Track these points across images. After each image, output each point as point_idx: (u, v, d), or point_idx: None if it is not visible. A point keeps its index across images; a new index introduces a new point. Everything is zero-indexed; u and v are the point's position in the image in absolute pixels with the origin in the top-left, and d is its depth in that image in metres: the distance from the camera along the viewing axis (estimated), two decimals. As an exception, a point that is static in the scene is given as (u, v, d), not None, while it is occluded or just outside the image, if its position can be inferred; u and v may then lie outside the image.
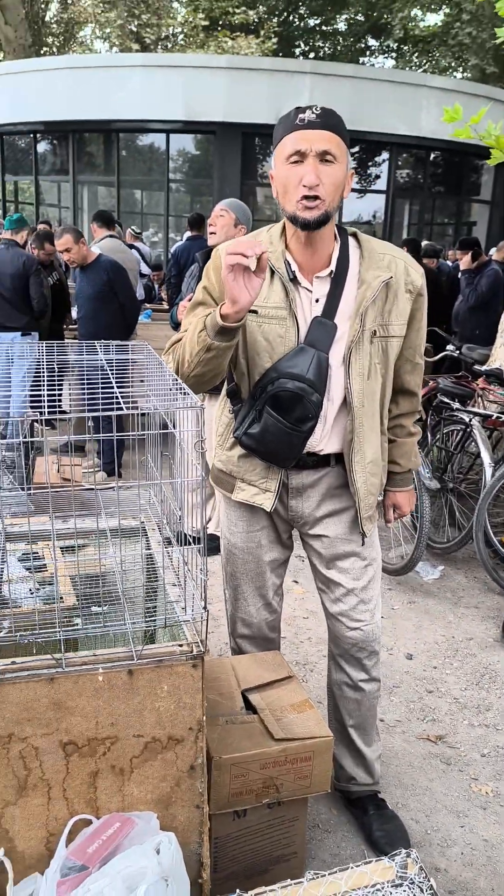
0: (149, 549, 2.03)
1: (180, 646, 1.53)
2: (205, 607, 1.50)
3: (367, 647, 2.10)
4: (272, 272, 1.83)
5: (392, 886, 1.62)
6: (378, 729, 2.24)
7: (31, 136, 14.09)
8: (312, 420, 1.85)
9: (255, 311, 1.82)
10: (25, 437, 2.65)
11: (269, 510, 1.99)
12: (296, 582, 3.82)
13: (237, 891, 1.51)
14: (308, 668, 3.04)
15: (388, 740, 2.62)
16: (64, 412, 5.79)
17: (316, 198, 1.70)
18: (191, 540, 1.75)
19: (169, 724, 1.55)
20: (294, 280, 1.84)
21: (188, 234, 7.56)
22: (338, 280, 1.84)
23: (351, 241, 1.90)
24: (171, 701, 1.53)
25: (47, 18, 21.71)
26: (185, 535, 1.82)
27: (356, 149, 13.88)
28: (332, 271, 1.85)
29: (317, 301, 1.86)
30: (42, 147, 14.39)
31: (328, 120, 1.71)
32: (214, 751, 1.78)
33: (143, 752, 1.55)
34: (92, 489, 2.29)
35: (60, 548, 2.08)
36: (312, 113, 1.71)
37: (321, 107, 1.73)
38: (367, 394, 1.90)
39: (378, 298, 1.85)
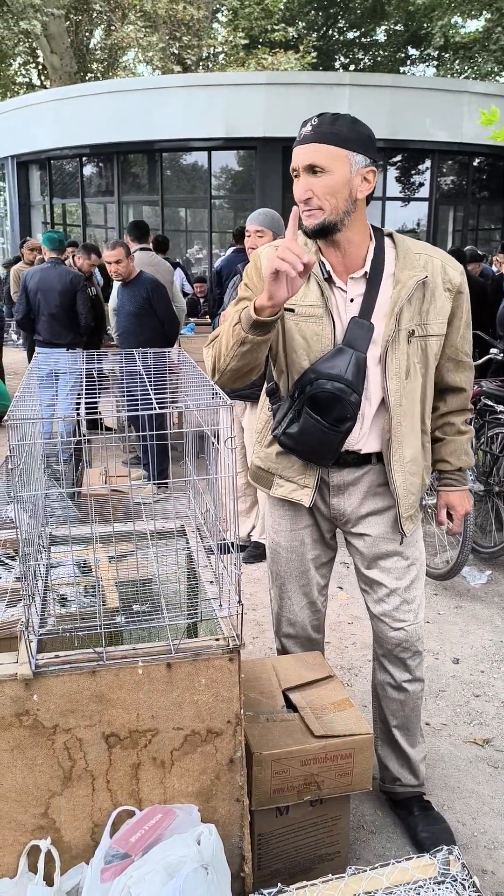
0: (189, 551, 2.07)
1: (217, 640, 1.57)
2: (239, 601, 1.53)
3: (410, 648, 2.10)
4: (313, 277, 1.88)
5: (434, 883, 1.62)
6: (423, 731, 2.23)
7: (78, 159, 14.47)
8: (351, 420, 1.87)
9: (291, 310, 1.86)
10: (75, 445, 2.73)
11: (307, 506, 2.01)
12: (340, 588, 3.83)
13: (279, 885, 1.53)
14: (353, 673, 3.03)
15: (435, 744, 2.60)
16: (109, 429, 5.91)
17: (313, 208, 1.76)
18: (227, 539, 1.79)
19: (208, 717, 1.58)
20: (329, 280, 1.88)
21: (232, 248, 7.66)
22: (373, 280, 1.87)
23: (387, 241, 1.92)
24: (210, 694, 1.57)
25: (91, 45, 22.32)
26: (223, 535, 1.86)
27: (398, 158, 13.87)
28: (366, 272, 1.87)
29: (352, 301, 1.88)
30: (88, 170, 14.76)
31: (320, 130, 1.73)
32: (255, 747, 1.80)
33: (182, 745, 1.59)
34: (128, 493, 2.35)
35: (107, 557, 2.14)
36: (309, 126, 1.75)
37: (321, 117, 1.75)
38: (406, 393, 1.91)
39: (414, 298, 1.86)
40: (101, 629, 1.51)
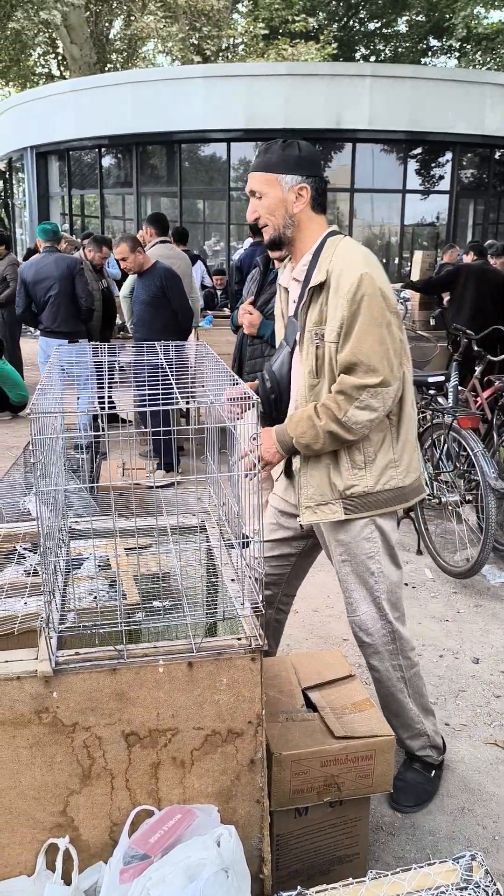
0: (209, 547, 2.05)
1: (239, 639, 1.55)
2: (262, 600, 1.50)
3: (357, 637, 2.21)
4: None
5: (457, 889, 1.59)
6: (415, 716, 2.27)
7: (96, 150, 14.44)
8: (268, 405, 2.14)
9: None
10: (91, 438, 2.71)
11: (275, 479, 2.31)
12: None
13: (298, 888, 1.51)
14: (371, 671, 3.00)
15: (454, 745, 2.56)
16: (125, 421, 5.89)
17: (262, 224, 2.04)
18: (249, 536, 1.76)
19: (228, 717, 1.56)
20: (286, 288, 2.18)
21: (249, 240, 7.63)
22: (304, 285, 2.04)
23: (325, 247, 2.02)
24: (231, 694, 1.54)
25: (111, 36, 22.25)
26: (244, 532, 1.83)
27: (418, 150, 13.73)
28: (294, 278, 2.11)
29: (293, 301, 2.12)
30: (106, 161, 14.73)
31: (256, 161, 2.03)
32: (275, 747, 1.78)
33: (203, 745, 1.56)
34: (151, 487, 2.33)
35: (125, 549, 2.12)
36: (256, 158, 2.03)
37: (264, 148, 2.02)
38: (314, 392, 2.03)
39: (314, 303, 1.99)
40: (121, 627, 1.49)
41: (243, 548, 1.60)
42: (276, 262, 3.90)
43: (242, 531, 1.70)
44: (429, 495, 3.95)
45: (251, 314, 3.62)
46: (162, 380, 1.90)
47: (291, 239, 2.05)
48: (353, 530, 2.09)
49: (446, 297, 6.99)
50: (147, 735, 1.54)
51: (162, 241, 5.83)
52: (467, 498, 3.96)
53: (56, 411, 1.53)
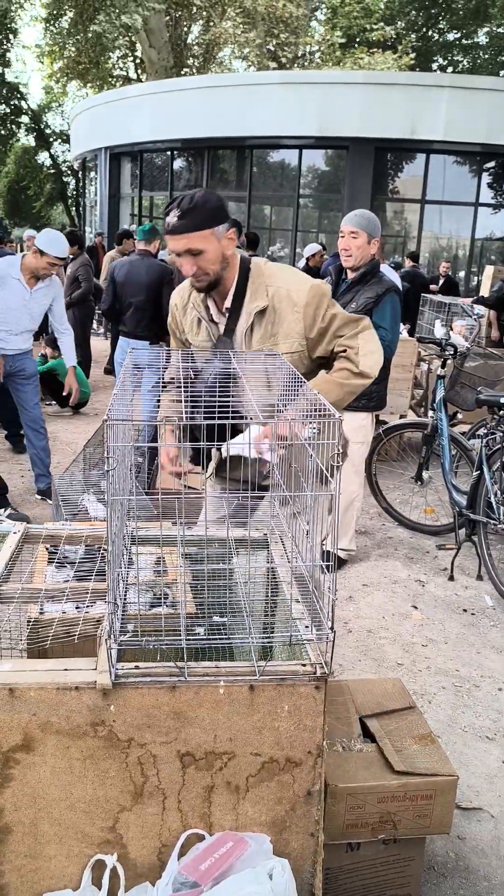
0: (272, 563, 1.99)
1: (303, 665, 1.48)
2: (332, 627, 1.44)
3: None
4: (199, 318, 2.30)
5: None
6: None
7: (169, 153, 14.59)
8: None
9: (190, 344, 2.35)
10: (153, 443, 2.68)
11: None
12: (415, 607, 3.68)
13: (349, 929, 1.43)
14: (426, 700, 2.90)
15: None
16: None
17: (199, 276, 2.13)
18: (320, 557, 1.70)
19: (288, 746, 1.49)
20: (211, 319, 2.28)
21: (316, 246, 7.57)
22: (233, 312, 2.23)
23: (250, 275, 2.20)
24: (292, 721, 1.48)
25: (189, 41, 22.49)
26: (314, 550, 1.77)
27: (492, 164, 13.47)
28: (227, 308, 2.23)
29: (224, 332, 2.26)
30: (178, 164, 14.88)
31: (186, 221, 2.05)
32: (330, 778, 1.71)
33: (259, 772, 1.50)
34: (213, 494, 2.28)
35: (186, 558, 2.07)
36: (174, 217, 2.05)
37: (179, 207, 2.04)
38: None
39: (257, 325, 2.18)
40: (184, 644, 1.44)
41: (324, 572, 1.54)
42: (348, 272, 3.84)
43: (321, 551, 1.64)
44: (494, 519, 3.81)
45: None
46: (233, 390, 1.86)
47: (222, 277, 2.18)
48: None
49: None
50: (203, 757, 1.48)
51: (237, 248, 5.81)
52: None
53: (131, 419, 1.50)
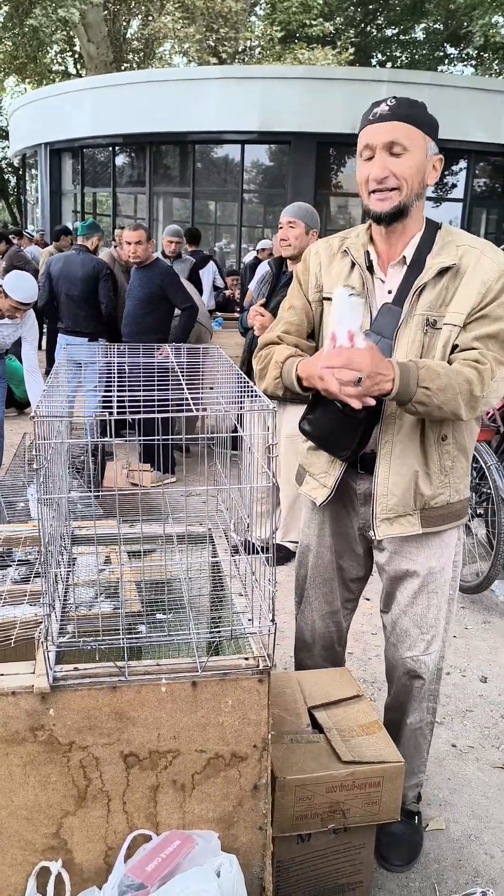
0: (215, 557, 1.98)
1: (246, 659, 1.47)
2: (273, 620, 1.43)
3: (412, 676, 2.02)
4: (352, 263, 1.84)
5: (466, 928, 1.51)
6: (422, 765, 2.16)
7: (110, 148, 14.41)
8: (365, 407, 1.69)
9: (329, 299, 1.82)
10: (96, 440, 2.65)
11: (319, 503, 1.93)
12: (367, 599, 3.71)
13: (300, 920, 1.43)
14: (376, 687, 2.92)
15: (460, 767, 2.48)
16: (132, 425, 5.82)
17: (387, 189, 1.70)
18: (259, 549, 1.69)
19: (233, 741, 1.48)
20: (370, 269, 1.83)
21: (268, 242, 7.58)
22: (412, 268, 1.78)
23: (439, 232, 1.82)
24: (236, 716, 1.47)
25: (128, 35, 22.24)
26: (253, 543, 1.76)
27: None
28: (404, 257, 1.80)
29: (389, 292, 1.82)
30: (120, 159, 14.69)
31: (399, 110, 1.69)
32: (279, 770, 1.71)
33: (205, 768, 1.49)
34: (154, 491, 2.26)
35: (126, 553, 2.05)
36: (386, 105, 1.71)
37: (398, 97, 1.72)
38: None
39: (438, 285, 1.73)
40: (124, 643, 1.42)
41: (249, 554, 1.52)
42: (288, 263, 3.85)
43: (252, 539, 1.63)
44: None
45: (263, 316, 3.56)
46: (172, 383, 1.83)
47: (410, 213, 1.73)
48: (433, 547, 1.89)
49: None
50: (147, 756, 1.46)
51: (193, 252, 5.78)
52: (478, 511, 3.88)
53: (61, 415, 1.46)
